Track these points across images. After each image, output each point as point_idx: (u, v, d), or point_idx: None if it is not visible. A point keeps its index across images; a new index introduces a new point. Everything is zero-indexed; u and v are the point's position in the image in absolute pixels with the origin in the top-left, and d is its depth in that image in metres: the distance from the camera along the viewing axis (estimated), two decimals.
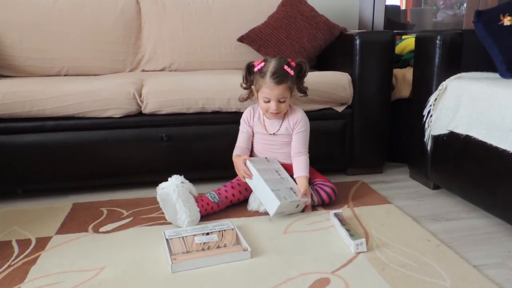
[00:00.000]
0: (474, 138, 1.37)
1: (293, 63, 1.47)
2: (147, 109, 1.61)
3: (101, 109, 1.57)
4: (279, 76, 1.40)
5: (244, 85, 1.53)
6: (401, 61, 2.03)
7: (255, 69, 1.46)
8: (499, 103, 1.28)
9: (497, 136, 1.28)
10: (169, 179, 1.34)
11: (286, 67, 1.42)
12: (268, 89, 1.41)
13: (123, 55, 1.98)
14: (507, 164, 1.25)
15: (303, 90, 1.53)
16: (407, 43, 2.00)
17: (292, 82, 1.45)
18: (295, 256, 1.18)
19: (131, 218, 1.43)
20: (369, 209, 1.49)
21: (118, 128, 1.61)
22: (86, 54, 1.92)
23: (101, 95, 1.56)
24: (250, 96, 1.56)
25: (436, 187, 1.69)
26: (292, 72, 1.44)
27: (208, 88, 1.64)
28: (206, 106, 1.65)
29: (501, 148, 1.26)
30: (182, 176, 1.37)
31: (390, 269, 1.11)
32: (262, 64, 1.45)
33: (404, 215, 1.44)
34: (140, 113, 1.63)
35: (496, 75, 1.52)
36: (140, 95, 1.60)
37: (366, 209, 1.49)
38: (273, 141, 1.54)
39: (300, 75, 1.50)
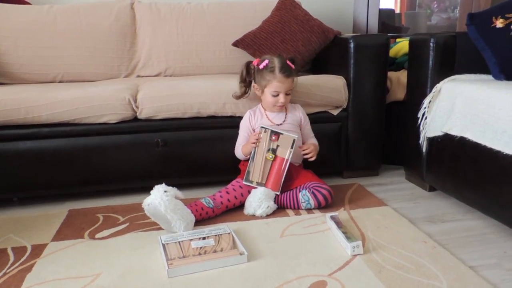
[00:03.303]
0: (469, 139, 1.38)
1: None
2: (143, 114, 1.61)
3: (96, 115, 1.57)
4: (287, 71, 1.52)
5: (243, 84, 1.61)
6: (396, 64, 2.04)
7: (261, 66, 1.54)
8: (492, 105, 1.29)
9: (491, 137, 1.29)
10: (151, 192, 1.32)
11: (288, 62, 1.56)
12: (279, 82, 1.52)
13: (118, 61, 1.98)
14: (501, 165, 1.26)
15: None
16: (401, 46, 2.02)
17: (294, 74, 1.58)
18: (292, 260, 1.18)
19: (127, 224, 1.43)
20: (365, 211, 1.49)
21: (114, 134, 1.61)
22: (81, 60, 1.93)
23: (96, 101, 1.56)
24: (244, 94, 1.63)
25: (432, 189, 1.70)
26: (293, 67, 1.56)
27: (203, 92, 1.64)
28: (201, 110, 1.65)
29: (495, 149, 1.27)
30: (163, 183, 1.35)
31: (387, 271, 1.11)
32: (267, 61, 1.54)
33: (400, 217, 1.44)
34: (135, 119, 1.63)
35: (490, 77, 1.53)
36: (135, 101, 1.60)
37: (363, 211, 1.49)
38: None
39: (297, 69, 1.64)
